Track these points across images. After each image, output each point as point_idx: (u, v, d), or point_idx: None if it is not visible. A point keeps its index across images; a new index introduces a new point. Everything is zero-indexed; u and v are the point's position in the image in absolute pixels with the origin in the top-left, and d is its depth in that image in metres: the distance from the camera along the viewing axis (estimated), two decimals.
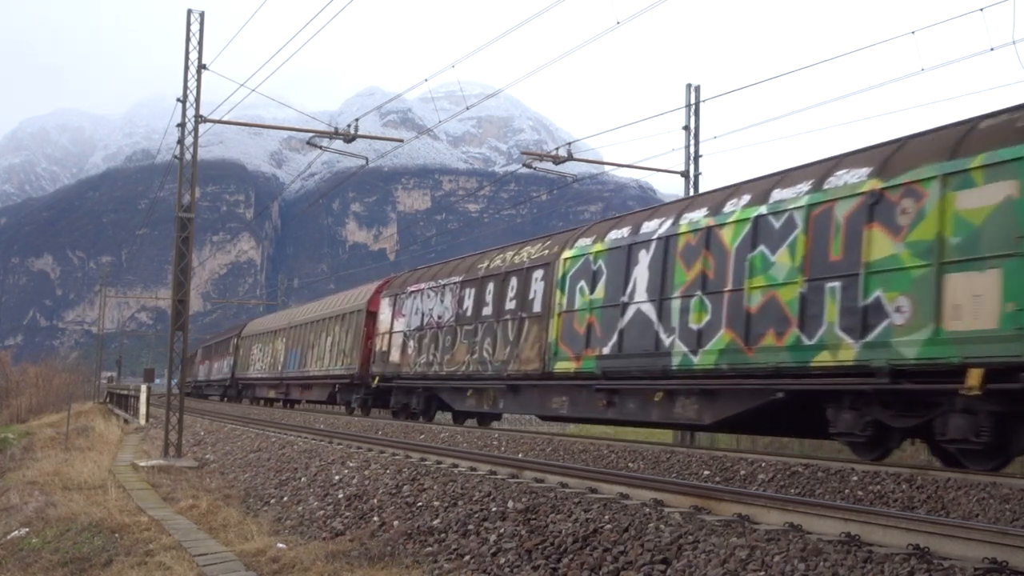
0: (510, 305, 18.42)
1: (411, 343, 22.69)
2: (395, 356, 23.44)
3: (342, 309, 29.30)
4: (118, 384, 64.25)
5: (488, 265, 20.00)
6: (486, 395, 19.57)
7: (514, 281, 18.53)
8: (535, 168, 24.54)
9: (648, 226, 15.13)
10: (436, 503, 8.53)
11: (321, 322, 31.30)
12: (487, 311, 19.31)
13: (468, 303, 20.16)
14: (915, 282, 10.38)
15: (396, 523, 8.26)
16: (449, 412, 23.43)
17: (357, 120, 20.79)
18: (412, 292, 23.31)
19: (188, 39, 17.75)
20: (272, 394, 39.46)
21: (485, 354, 19.01)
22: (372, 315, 26.26)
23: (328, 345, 29.66)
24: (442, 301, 21.38)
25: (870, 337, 10.81)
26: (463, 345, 20.03)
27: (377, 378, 24.63)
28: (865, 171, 11.44)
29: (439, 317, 21.37)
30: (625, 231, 15.75)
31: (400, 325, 23.57)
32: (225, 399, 50.84)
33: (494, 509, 7.82)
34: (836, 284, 11.34)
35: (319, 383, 30.96)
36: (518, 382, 18.08)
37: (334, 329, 29.36)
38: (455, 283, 21.02)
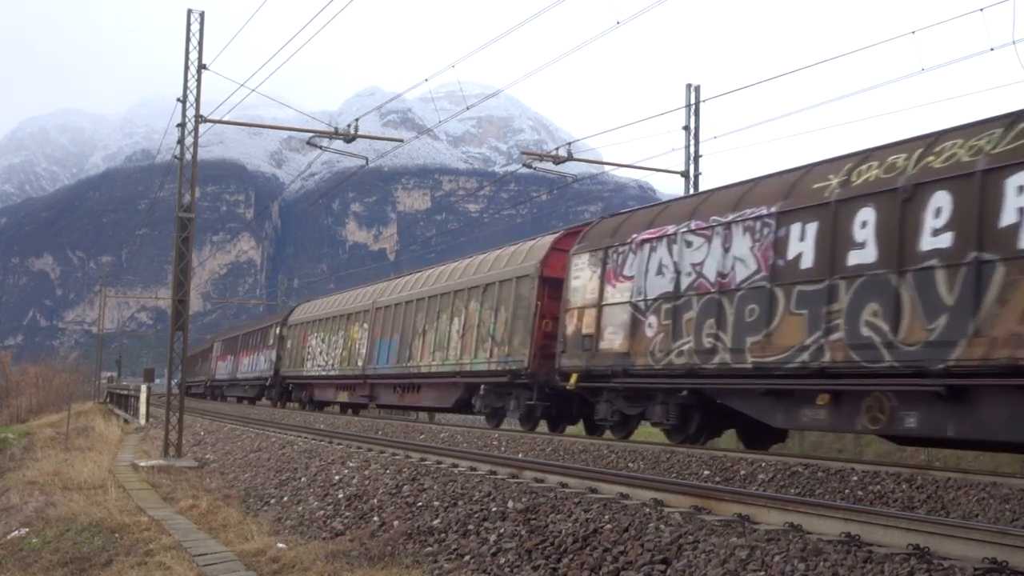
0: (933, 242, 10.74)
1: (652, 319, 14.79)
2: (614, 341, 15.57)
3: (488, 277, 20.74)
4: (118, 384, 64.25)
5: (846, 181, 12.21)
6: (865, 403, 11.61)
7: (940, 199, 10.80)
8: (535, 168, 24.57)
9: None
10: (436, 503, 8.54)
11: (441, 298, 22.87)
12: (863, 256, 11.59)
13: (801, 247, 12.58)
14: None
15: (396, 523, 8.27)
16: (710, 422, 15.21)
17: (357, 120, 20.80)
18: (647, 241, 15.30)
19: (188, 39, 17.77)
20: (344, 397, 30.06)
21: (866, 331, 11.32)
22: (550, 282, 18.28)
23: (458, 329, 21.53)
24: (726, 249, 13.74)
25: None
26: (794, 319, 12.39)
27: (575, 376, 16.51)
28: None
29: (721, 275, 13.70)
30: None
31: (621, 293, 15.64)
32: (254, 401, 43.43)
33: (494, 509, 7.82)
34: None
35: (440, 383, 22.62)
36: (982, 381, 10.24)
37: (468, 307, 21.26)
38: (761, 217, 13.31)
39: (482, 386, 20.46)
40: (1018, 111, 10.82)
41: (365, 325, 27.71)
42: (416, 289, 25.11)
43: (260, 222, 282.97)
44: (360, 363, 27.44)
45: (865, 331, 11.41)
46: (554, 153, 24.03)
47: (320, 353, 31.50)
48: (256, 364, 40.48)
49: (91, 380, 78.67)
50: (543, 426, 19.94)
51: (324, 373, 30.98)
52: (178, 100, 18.10)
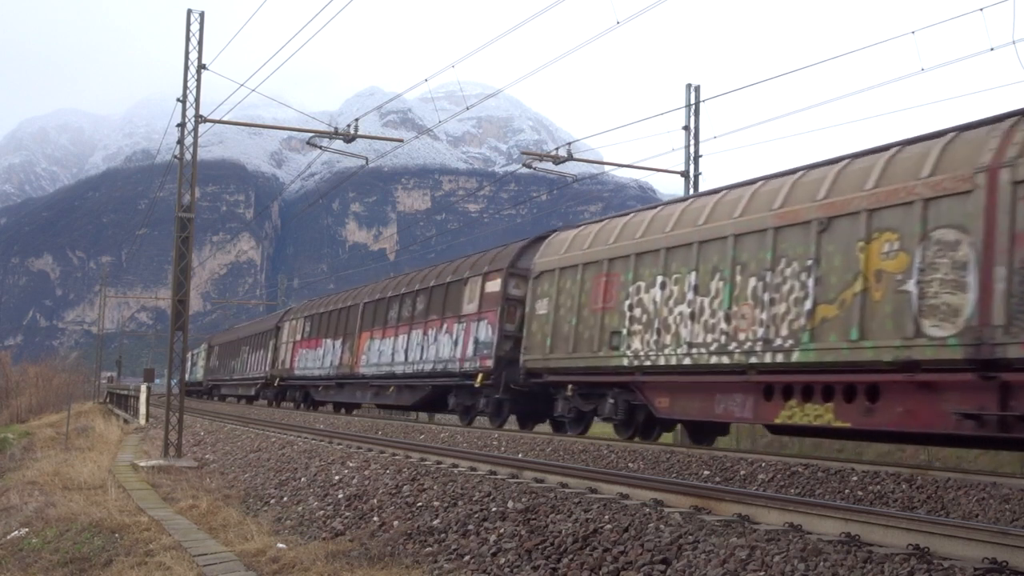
0: None
1: None
2: None
3: None
4: (118, 384, 64.22)
5: None
6: None
7: None
8: (535, 168, 24.56)
9: None
10: (436, 503, 8.53)
11: None
12: None
13: None
14: None
15: (396, 523, 8.26)
16: None
17: (357, 120, 20.79)
18: None
19: (188, 39, 17.76)
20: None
21: None
22: None
23: None
24: None
25: None
26: None
27: None
28: None
29: None
30: None
31: None
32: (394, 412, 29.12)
33: (494, 509, 7.82)
34: None
35: None
36: None
37: None
38: None
39: None
40: None
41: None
42: None
43: (260, 222, 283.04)
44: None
45: None
46: (554, 153, 24.02)
47: (700, 313, 14.03)
48: (434, 349, 22.14)
49: (91, 380, 78.76)
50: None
51: (729, 359, 13.33)
52: (178, 100, 18.09)
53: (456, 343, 20.95)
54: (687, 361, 14.00)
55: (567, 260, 17.47)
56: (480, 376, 19.54)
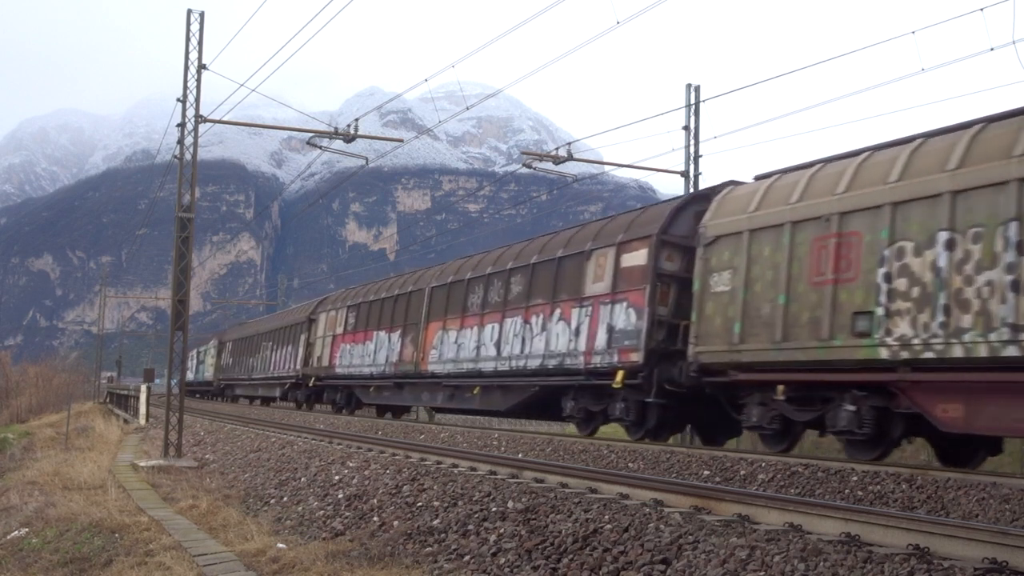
0: None
1: None
2: None
3: None
4: (118, 384, 64.20)
5: None
6: None
7: None
8: (535, 168, 24.55)
9: None
10: (436, 503, 8.53)
11: None
12: None
13: None
14: None
15: (396, 523, 8.26)
16: None
17: (357, 120, 20.79)
18: None
19: (188, 39, 17.76)
20: None
21: None
22: None
23: None
24: None
25: None
26: None
27: None
28: None
29: None
30: None
31: None
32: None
33: (494, 509, 7.82)
34: None
35: None
36: None
37: None
38: None
39: None
40: None
41: None
42: None
43: (260, 222, 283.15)
44: None
45: None
46: (554, 153, 24.02)
47: None
48: (542, 341, 18.03)
49: (91, 380, 78.73)
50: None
51: None
52: (178, 100, 18.09)
53: (578, 332, 16.71)
54: (1010, 351, 9.83)
55: (762, 219, 13.22)
56: (621, 374, 15.31)
